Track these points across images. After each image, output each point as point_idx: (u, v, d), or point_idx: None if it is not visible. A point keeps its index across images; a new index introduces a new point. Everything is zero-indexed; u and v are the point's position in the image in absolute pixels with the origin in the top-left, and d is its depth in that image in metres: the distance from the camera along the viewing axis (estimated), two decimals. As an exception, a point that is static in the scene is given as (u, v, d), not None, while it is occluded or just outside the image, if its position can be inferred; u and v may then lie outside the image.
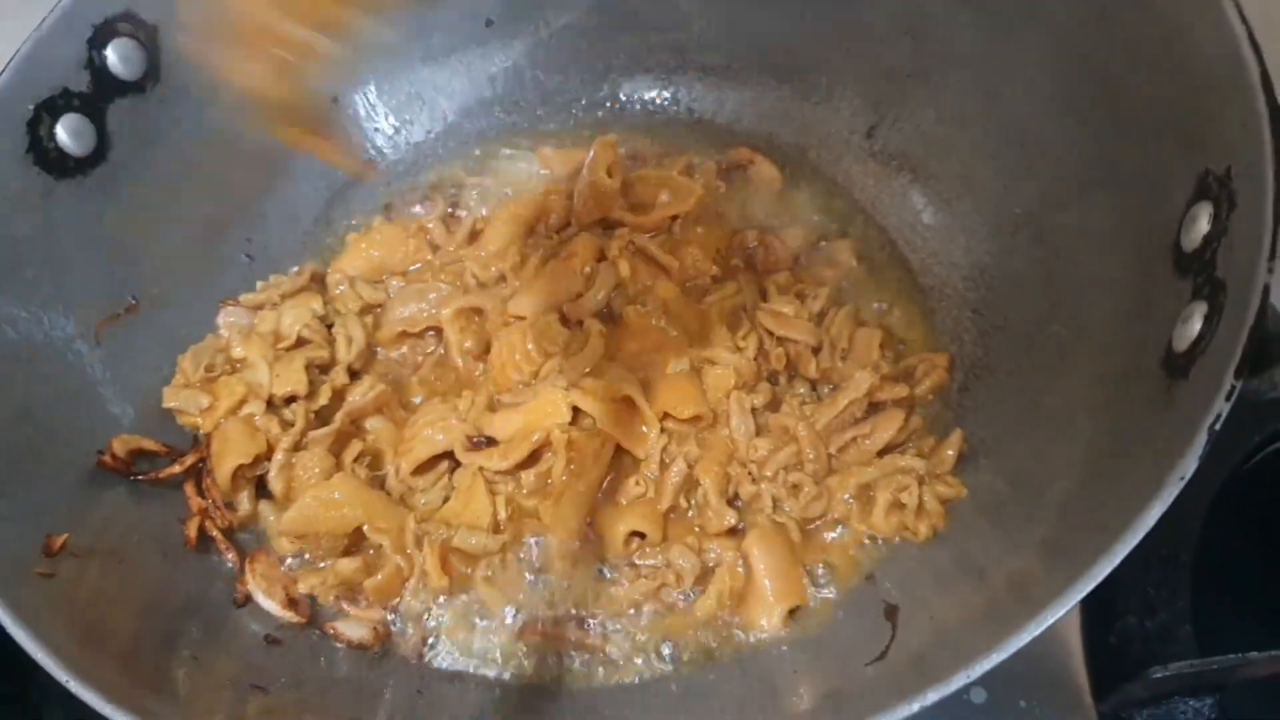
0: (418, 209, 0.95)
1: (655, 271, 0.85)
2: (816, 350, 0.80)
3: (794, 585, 0.71)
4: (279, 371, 0.79)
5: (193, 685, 0.63)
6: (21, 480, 0.68)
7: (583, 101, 1.01)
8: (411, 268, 0.89)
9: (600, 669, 0.71)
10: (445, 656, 0.72)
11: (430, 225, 0.91)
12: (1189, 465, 0.48)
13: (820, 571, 0.72)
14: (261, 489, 0.78)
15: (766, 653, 0.69)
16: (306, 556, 0.76)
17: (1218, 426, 0.48)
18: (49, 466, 0.71)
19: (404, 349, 0.86)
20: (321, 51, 0.86)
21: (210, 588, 0.73)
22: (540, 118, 1.01)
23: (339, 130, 0.97)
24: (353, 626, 0.72)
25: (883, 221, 0.89)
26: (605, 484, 0.77)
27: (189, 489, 0.76)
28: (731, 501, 0.75)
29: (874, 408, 0.77)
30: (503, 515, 0.75)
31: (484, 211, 0.93)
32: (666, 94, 1.00)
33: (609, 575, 0.74)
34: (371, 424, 0.81)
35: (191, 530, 0.74)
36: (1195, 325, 0.54)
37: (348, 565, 0.73)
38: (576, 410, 0.76)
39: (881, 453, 0.75)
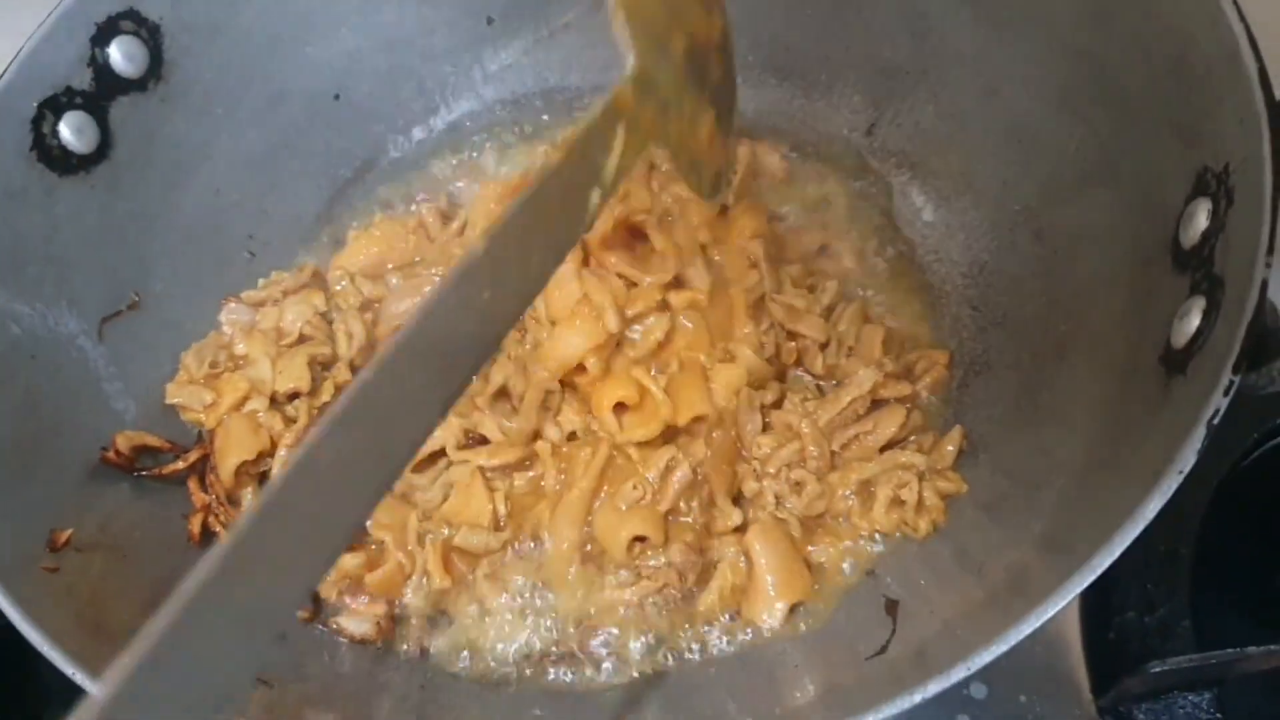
0: (418, 206, 0.95)
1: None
2: (823, 346, 0.80)
3: (796, 581, 0.71)
4: (282, 368, 0.80)
5: (197, 679, 0.63)
6: (26, 476, 0.68)
7: (583, 100, 1.01)
8: (414, 261, 0.89)
9: (602, 665, 0.71)
10: (448, 652, 0.73)
11: (429, 220, 0.91)
12: (1187, 459, 0.48)
13: (820, 567, 0.73)
14: (264, 485, 0.78)
15: (768, 647, 0.70)
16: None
17: (1216, 421, 0.48)
18: (53, 462, 0.71)
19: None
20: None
21: (214, 583, 0.73)
22: (541, 115, 1.01)
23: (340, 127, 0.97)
24: (356, 622, 0.72)
25: (883, 219, 0.90)
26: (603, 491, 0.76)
27: (192, 485, 0.76)
28: (735, 500, 0.75)
29: (875, 404, 0.77)
30: (503, 511, 0.76)
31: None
32: (667, 91, 1.00)
33: (610, 577, 0.74)
34: (373, 420, 0.81)
35: (195, 526, 0.74)
36: (1193, 321, 0.54)
37: (350, 561, 0.73)
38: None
39: (883, 449, 0.75)
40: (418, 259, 0.90)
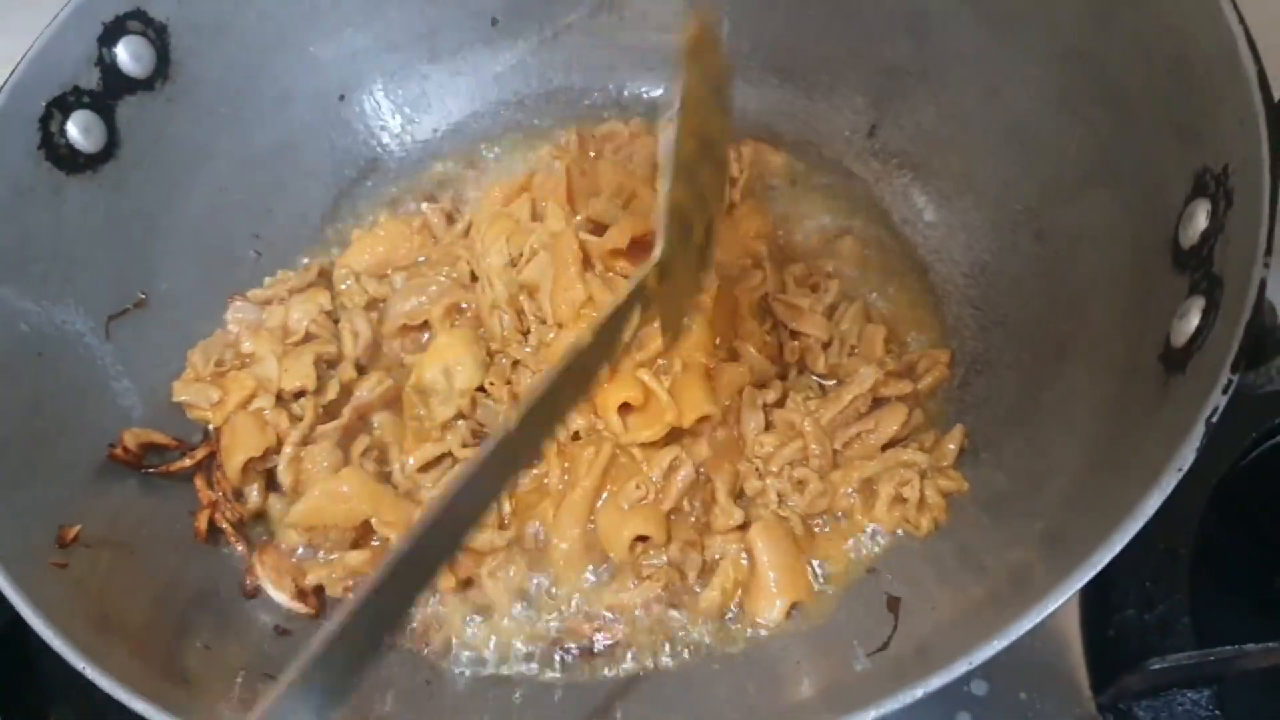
0: (422, 205, 0.95)
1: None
2: (826, 345, 0.80)
3: (798, 579, 0.71)
4: (288, 366, 0.80)
5: (206, 673, 0.64)
6: (34, 472, 0.68)
7: (586, 101, 1.02)
8: (418, 260, 0.90)
9: (605, 662, 0.72)
10: (453, 649, 0.73)
11: (434, 220, 0.92)
12: (1187, 457, 0.49)
13: (822, 565, 0.73)
14: (271, 482, 0.79)
15: (770, 644, 0.70)
16: (316, 548, 0.76)
17: (1215, 419, 0.49)
18: (61, 459, 0.71)
19: (405, 342, 0.87)
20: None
21: (220, 579, 0.74)
22: (545, 115, 1.01)
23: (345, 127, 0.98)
24: (361, 618, 0.73)
25: (884, 219, 0.90)
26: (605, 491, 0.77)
27: (199, 482, 0.77)
28: (737, 498, 0.76)
29: (877, 403, 0.77)
30: (507, 510, 0.76)
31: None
32: (671, 92, 1.01)
33: (612, 576, 0.75)
34: (377, 419, 0.82)
35: (201, 522, 0.75)
36: (1193, 320, 0.55)
37: (356, 557, 0.74)
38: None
39: (884, 447, 0.75)
40: (422, 259, 0.90)
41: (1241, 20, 0.56)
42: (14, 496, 0.65)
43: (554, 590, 0.75)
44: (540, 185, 0.86)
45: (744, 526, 0.73)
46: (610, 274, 0.77)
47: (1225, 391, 0.49)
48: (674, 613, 0.73)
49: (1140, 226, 0.64)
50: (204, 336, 0.84)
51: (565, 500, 0.76)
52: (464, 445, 0.78)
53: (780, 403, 0.78)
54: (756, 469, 0.76)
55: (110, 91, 0.80)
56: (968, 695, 0.74)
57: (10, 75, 0.74)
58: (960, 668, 0.49)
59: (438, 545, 0.46)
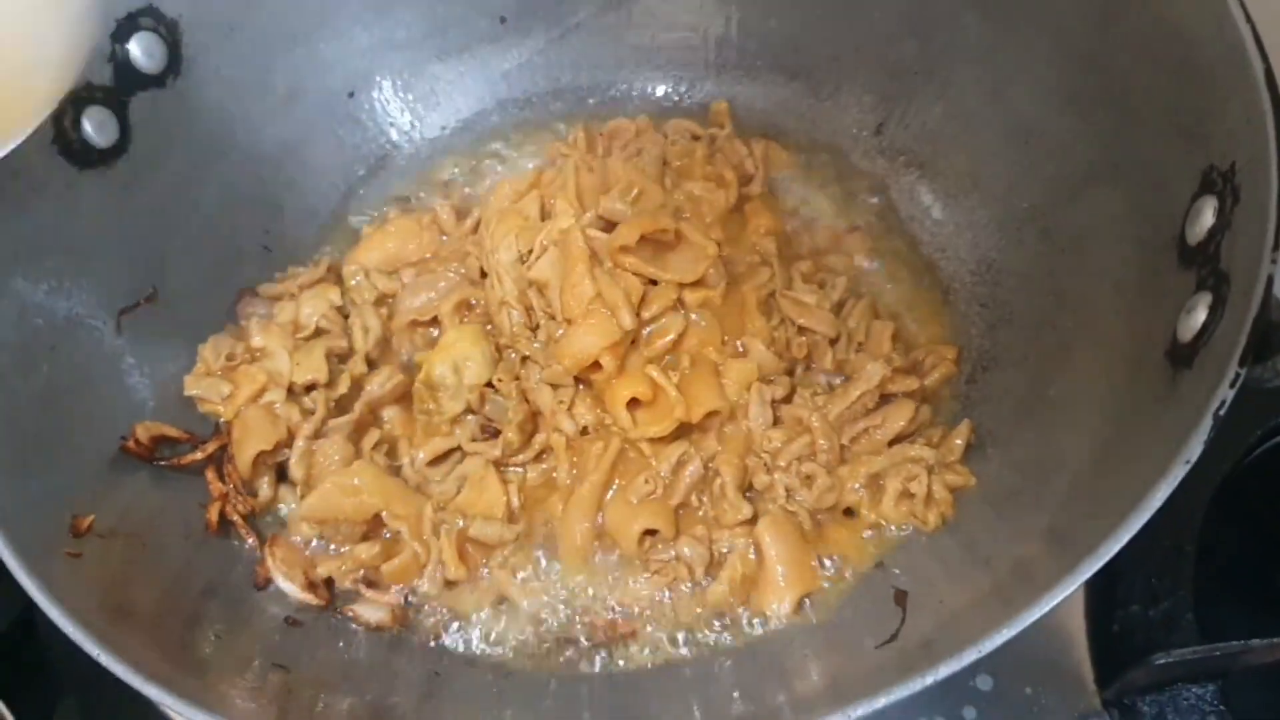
0: (432, 202, 0.96)
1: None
2: (833, 341, 0.81)
3: (806, 572, 0.72)
4: (299, 360, 0.81)
5: (217, 662, 0.64)
6: (48, 464, 0.69)
7: (594, 99, 1.03)
8: (427, 256, 0.90)
9: (614, 655, 0.72)
10: (461, 640, 0.74)
11: (443, 215, 0.92)
12: (1194, 450, 0.49)
13: (830, 559, 0.74)
14: (281, 475, 0.80)
15: (778, 637, 0.71)
16: (326, 541, 0.77)
17: (1222, 412, 0.49)
18: (74, 451, 0.72)
19: (415, 337, 0.87)
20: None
21: (231, 571, 0.74)
22: (553, 113, 1.02)
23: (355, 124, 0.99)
24: (371, 609, 0.73)
25: (891, 217, 0.91)
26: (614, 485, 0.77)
27: (210, 474, 0.77)
28: (745, 493, 0.76)
29: (884, 399, 0.78)
30: (516, 503, 0.77)
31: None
32: (678, 91, 1.02)
33: (621, 569, 0.75)
34: (388, 413, 0.82)
35: (213, 515, 0.75)
36: (1199, 316, 0.55)
37: (366, 550, 0.74)
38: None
39: (892, 443, 0.76)
40: (431, 255, 0.91)
41: (1249, 18, 0.56)
42: (28, 487, 0.66)
43: (563, 584, 0.75)
44: (549, 182, 0.87)
45: (752, 521, 0.74)
46: (619, 270, 0.78)
47: (1233, 385, 0.49)
48: (682, 606, 0.73)
49: (1146, 224, 0.64)
50: (215, 331, 0.84)
51: (574, 494, 0.76)
52: (473, 440, 0.79)
53: (788, 398, 0.79)
54: (764, 464, 0.76)
55: (123, 87, 0.80)
56: (973, 690, 0.74)
57: (25, 70, 0.74)
58: (970, 656, 0.49)
59: None
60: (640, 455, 0.77)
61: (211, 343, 0.83)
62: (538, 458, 0.79)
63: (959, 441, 0.75)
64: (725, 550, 0.74)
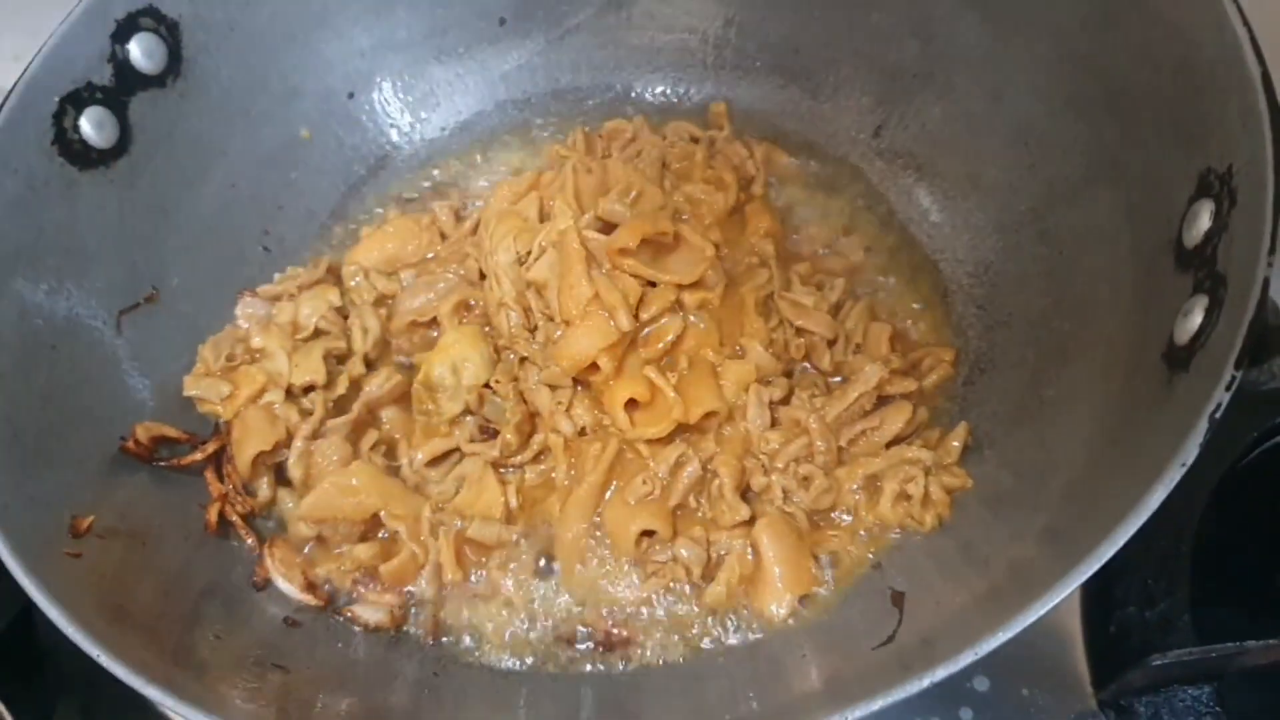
0: (431, 203, 0.96)
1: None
2: (831, 343, 0.81)
3: (803, 573, 0.72)
4: (298, 361, 0.81)
5: (216, 663, 0.65)
6: (48, 464, 0.69)
7: (593, 101, 1.03)
8: (427, 257, 0.91)
9: (612, 656, 0.73)
10: (460, 641, 0.74)
11: (442, 217, 0.92)
12: (1190, 452, 0.49)
13: (828, 560, 0.74)
14: (280, 476, 0.80)
15: (776, 638, 0.71)
16: (324, 540, 0.77)
17: (1218, 415, 0.49)
18: (74, 451, 0.72)
19: (414, 338, 0.88)
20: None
21: (230, 571, 0.74)
22: (552, 115, 1.02)
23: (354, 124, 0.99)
24: (369, 610, 0.73)
25: (890, 218, 0.91)
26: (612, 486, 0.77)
27: (209, 475, 0.77)
28: (743, 494, 0.76)
29: (882, 401, 0.78)
30: (514, 504, 0.77)
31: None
32: (677, 92, 1.02)
33: (619, 571, 0.75)
34: (386, 414, 0.83)
35: (212, 515, 0.75)
36: (1196, 318, 0.55)
37: (364, 550, 0.75)
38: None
39: (889, 444, 0.76)
40: (430, 256, 0.91)
41: (1246, 22, 0.56)
42: (28, 486, 0.66)
43: (561, 584, 0.75)
44: (548, 184, 0.87)
45: (750, 522, 0.74)
46: (617, 272, 0.78)
47: (1229, 388, 0.49)
48: (680, 607, 0.73)
49: (1144, 226, 0.65)
50: (214, 331, 0.85)
51: (572, 495, 0.76)
52: (471, 440, 0.79)
53: (786, 400, 0.79)
54: (762, 465, 0.76)
55: (123, 88, 0.80)
56: (970, 691, 0.74)
57: (24, 71, 0.74)
58: (967, 658, 0.49)
59: None
60: (638, 456, 0.77)
61: (211, 343, 0.83)
62: (536, 459, 0.79)
63: (956, 443, 0.75)
64: (723, 551, 0.74)
